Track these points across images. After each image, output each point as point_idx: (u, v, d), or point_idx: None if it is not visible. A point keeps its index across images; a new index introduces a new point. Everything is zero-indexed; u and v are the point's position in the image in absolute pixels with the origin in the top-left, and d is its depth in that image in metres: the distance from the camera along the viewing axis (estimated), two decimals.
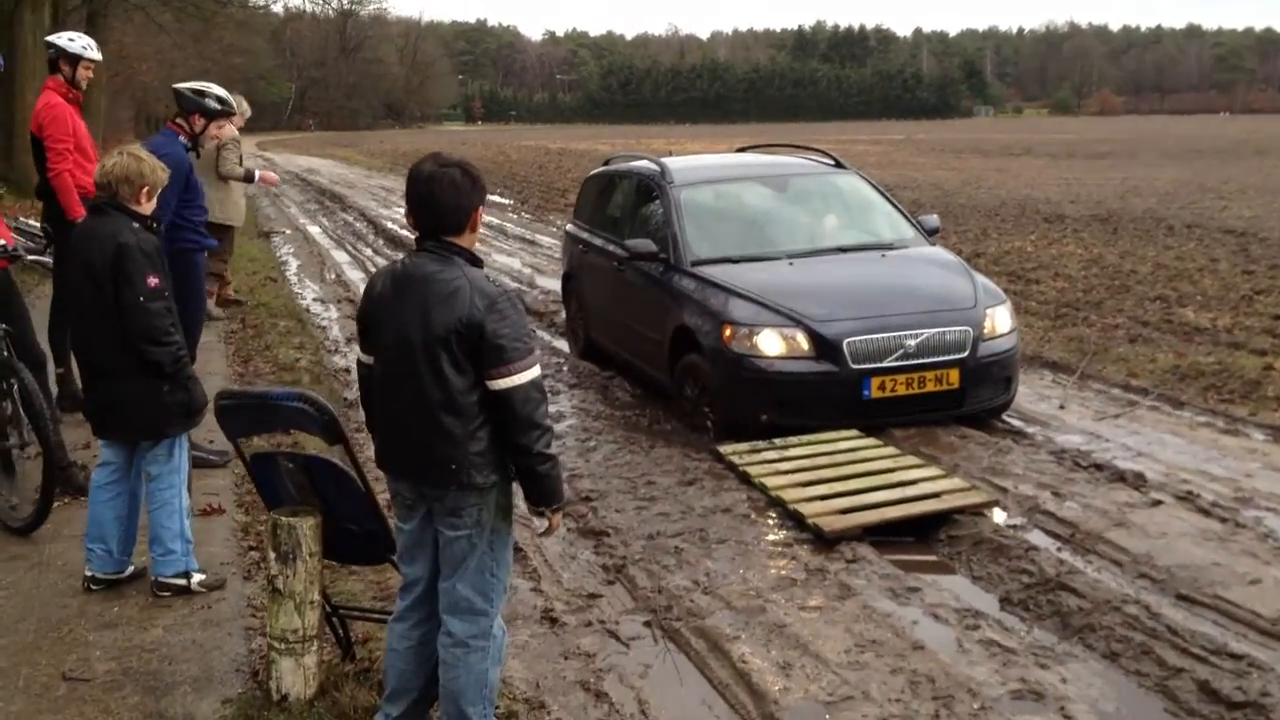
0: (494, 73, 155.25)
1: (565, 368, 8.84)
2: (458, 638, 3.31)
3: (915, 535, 5.33)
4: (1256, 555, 4.90)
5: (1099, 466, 6.09)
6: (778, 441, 6.37)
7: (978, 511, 5.42)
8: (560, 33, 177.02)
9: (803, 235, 7.80)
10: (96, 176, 4.42)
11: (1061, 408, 7.47)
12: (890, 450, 6.21)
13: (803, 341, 6.54)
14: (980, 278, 7.40)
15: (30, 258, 6.09)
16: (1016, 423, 7.09)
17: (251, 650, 4.05)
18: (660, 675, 4.13)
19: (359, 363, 3.48)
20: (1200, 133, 56.93)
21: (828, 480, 5.78)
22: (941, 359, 6.57)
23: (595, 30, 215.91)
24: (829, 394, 6.53)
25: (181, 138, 6.28)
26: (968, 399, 6.71)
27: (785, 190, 8.28)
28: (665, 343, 7.26)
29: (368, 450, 3.74)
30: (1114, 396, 7.74)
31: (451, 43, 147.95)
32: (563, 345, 9.74)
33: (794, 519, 5.43)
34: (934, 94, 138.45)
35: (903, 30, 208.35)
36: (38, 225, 7.85)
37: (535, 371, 3.19)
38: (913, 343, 6.52)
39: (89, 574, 4.56)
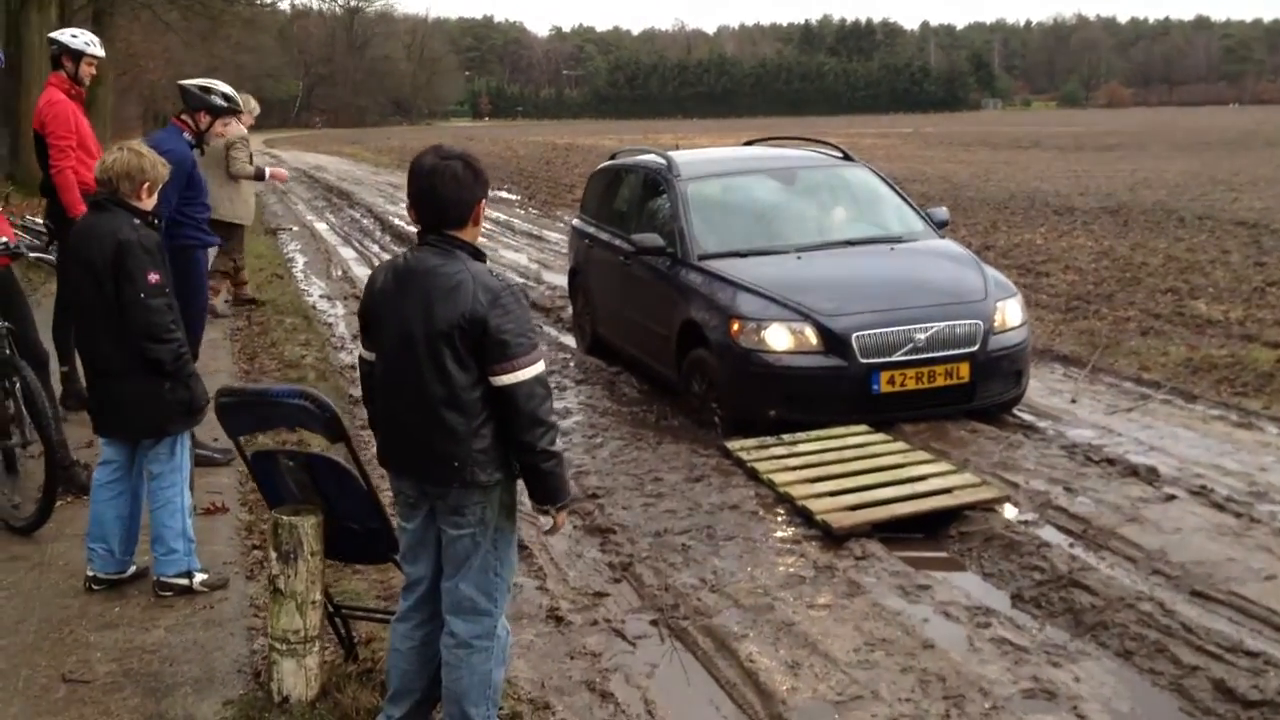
0: (501, 69, 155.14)
1: (572, 363, 8.80)
2: (461, 638, 3.26)
3: (925, 532, 5.27)
4: (1272, 550, 4.83)
5: (1111, 461, 6.02)
6: (786, 437, 6.31)
7: (989, 507, 5.36)
8: (567, 28, 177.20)
9: (811, 229, 7.74)
10: (97, 172, 4.38)
11: (1073, 402, 7.40)
12: (900, 445, 6.14)
13: (811, 336, 6.48)
14: (990, 270, 7.33)
15: (33, 255, 6.05)
16: (1028, 417, 7.02)
17: (254, 651, 4.02)
18: (667, 675, 4.08)
19: (360, 359, 3.43)
20: (1209, 124, 56.62)
21: (836, 476, 5.72)
22: (951, 353, 6.50)
23: (602, 25, 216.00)
24: (837, 389, 6.46)
25: (186, 134, 6.25)
26: (978, 393, 6.64)
27: (793, 183, 8.22)
28: (672, 338, 7.21)
29: (371, 448, 3.69)
30: (1126, 390, 7.67)
31: (458, 39, 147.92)
32: (569, 341, 9.70)
33: (802, 515, 5.37)
34: (941, 87, 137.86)
35: (910, 23, 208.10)
36: (41, 222, 7.81)
37: (539, 367, 3.14)
38: (922, 337, 6.46)
39: (90, 574, 4.53)
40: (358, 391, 7.08)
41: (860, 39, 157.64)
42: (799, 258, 7.21)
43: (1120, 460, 6.02)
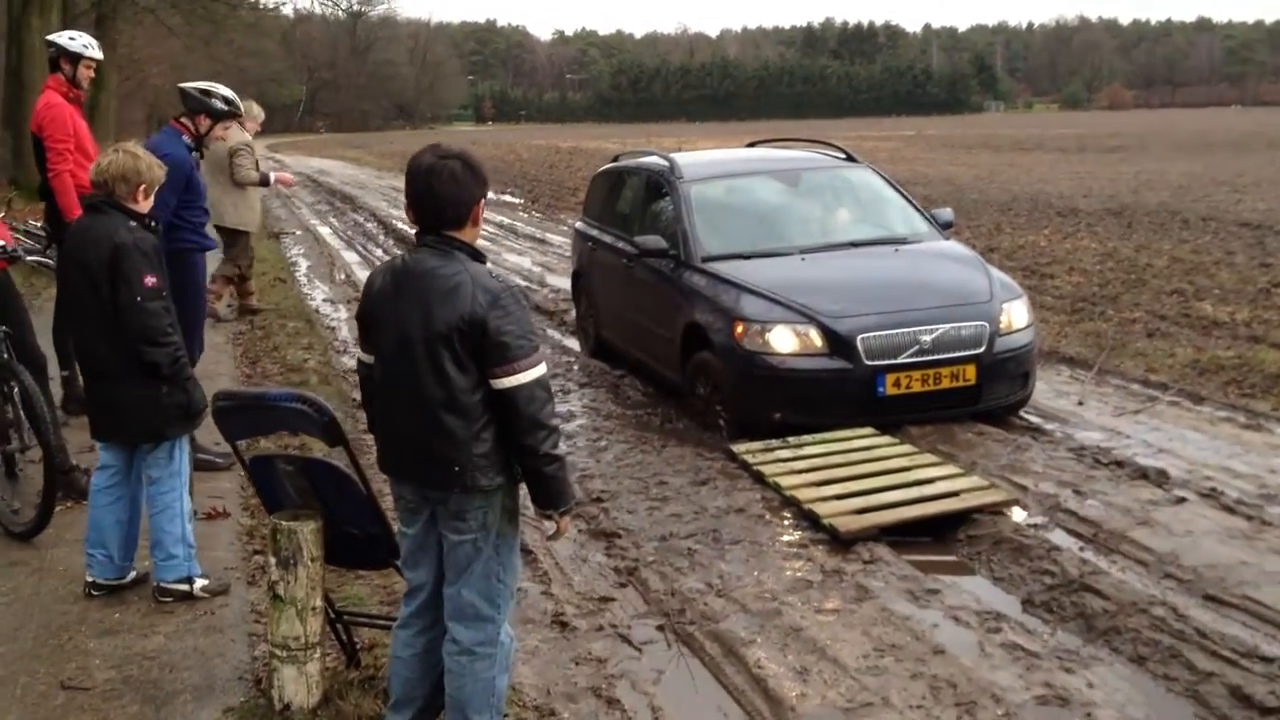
0: (504, 73, 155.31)
1: (575, 366, 8.75)
2: (463, 645, 3.21)
3: (933, 535, 5.22)
4: None
5: (1120, 463, 5.96)
6: (791, 440, 6.26)
7: (997, 510, 5.30)
8: (569, 32, 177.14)
9: (815, 230, 7.68)
10: (92, 174, 4.34)
11: (1080, 404, 7.34)
12: (906, 448, 6.09)
13: (816, 338, 6.43)
14: (996, 272, 7.28)
15: (31, 258, 6.01)
16: (1035, 419, 6.96)
17: (254, 658, 3.96)
18: (674, 681, 4.02)
19: (360, 362, 3.39)
20: (1212, 126, 56.53)
21: (843, 479, 5.67)
22: (957, 355, 6.44)
23: (604, 29, 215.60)
24: (843, 391, 6.41)
25: (185, 137, 6.20)
26: (984, 395, 6.58)
27: (797, 185, 8.16)
28: (676, 340, 7.15)
29: (372, 453, 3.64)
30: (1133, 392, 7.61)
31: (461, 43, 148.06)
32: (573, 344, 9.65)
33: (809, 519, 5.31)
34: (944, 90, 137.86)
35: (912, 26, 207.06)
36: (40, 226, 7.78)
37: (540, 369, 3.09)
38: (928, 338, 6.40)
39: (90, 579, 4.48)
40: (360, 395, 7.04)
41: (863, 42, 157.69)
42: (803, 259, 7.16)
43: (1129, 462, 5.96)
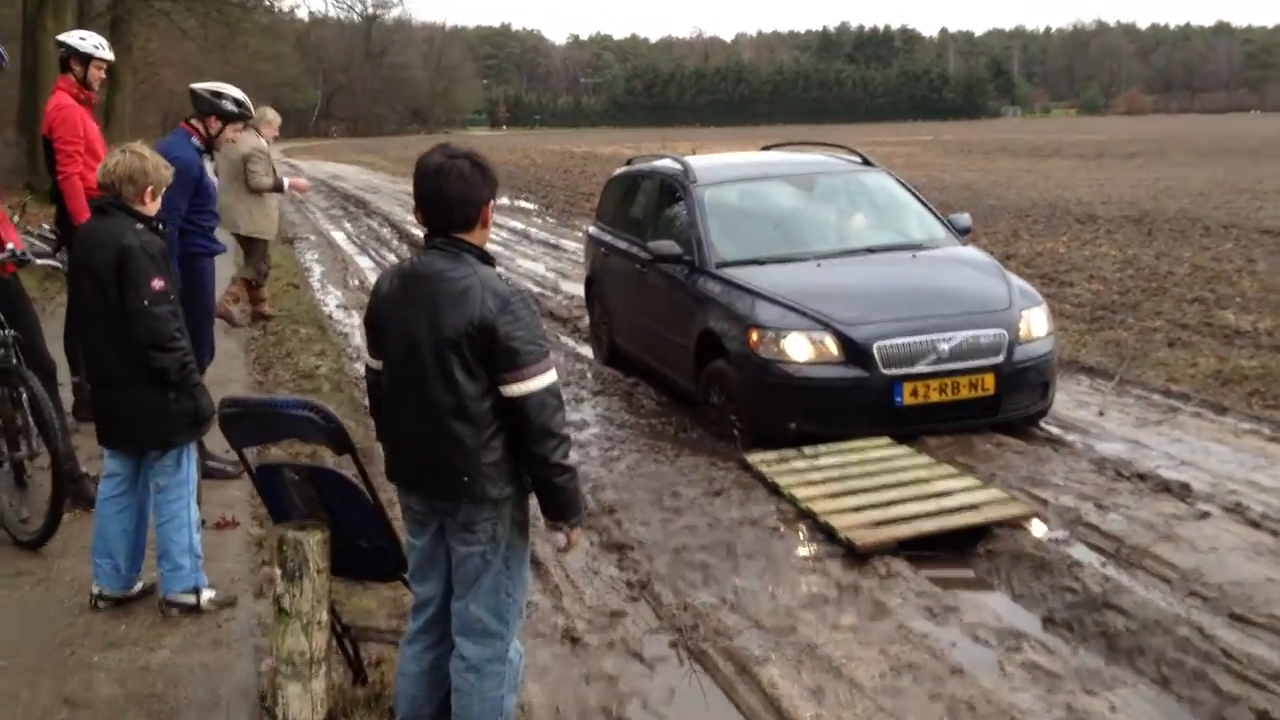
0: (518, 77, 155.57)
1: (589, 374, 8.67)
2: (471, 662, 3.14)
3: (951, 549, 5.10)
4: None
5: (1142, 476, 5.85)
6: (807, 450, 6.16)
7: (1017, 524, 5.19)
8: (584, 36, 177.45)
9: (830, 235, 7.60)
10: (99, 176, 4.29)
11: (1101, 414, 7.23)
12: (924, 459, 5.99)
13: (831, 346, 6.34)
14: (1015, 279, 7.17)
15: (40, 261, 5.97)
16: (1055, 430, 6.85)
17: (261, 672, 3.90)
18: (686, 700, 3.93)
19: (368, 368, 3.32)
20: (1231, 131, 56.12)
21: (860, 491, 5.57)
22: (976, 364, 6.34)
23: (619, 33, 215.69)
24: (859, 401, 6.31)
25: (195, 139, 6.16)
26: (1004, 405, 6.47)
27: (812, 189, 8.08)
28: (690, 348, 7.07)
29: (382, 462, 3.57)
30: (1154, 402, 7.49)
31: (476, 47, 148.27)
32: (587, 351, 9.58)
33: (825, 532, 5.22)
34: (961, 94, 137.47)
35: (928, 30, 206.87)
36: (49, 228, 7.76)
37: (551, 376, 3.02)
38: (946, 347, 6.30)
39: (96, 590, 4.42)
40: None
41: (879, 46, 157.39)
42: (819, 265, 7.07)
43: (1151, 475, 5.85)
